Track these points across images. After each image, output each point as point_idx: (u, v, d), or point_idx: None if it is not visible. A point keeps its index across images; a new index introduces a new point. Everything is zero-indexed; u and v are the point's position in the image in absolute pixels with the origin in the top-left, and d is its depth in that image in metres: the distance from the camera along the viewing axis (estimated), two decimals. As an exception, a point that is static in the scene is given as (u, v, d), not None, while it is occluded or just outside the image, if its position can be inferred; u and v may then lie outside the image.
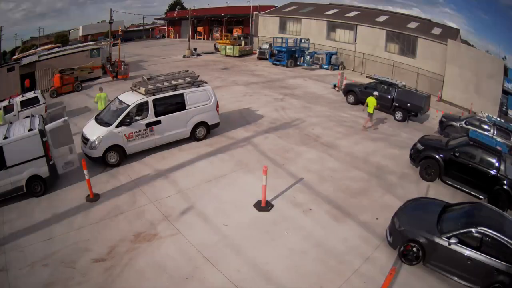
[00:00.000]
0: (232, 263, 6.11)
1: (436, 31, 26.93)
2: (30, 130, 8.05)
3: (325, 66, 27.42)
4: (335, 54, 28.42)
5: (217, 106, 11.47)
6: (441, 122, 14.42)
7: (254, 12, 37.68)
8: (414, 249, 6.31)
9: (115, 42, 27.22)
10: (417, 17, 31.60)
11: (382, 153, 11.35)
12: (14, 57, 34.63)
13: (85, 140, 9.48)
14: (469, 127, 12.98)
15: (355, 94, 16.66)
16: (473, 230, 6.02)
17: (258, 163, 9.66)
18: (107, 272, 5.87)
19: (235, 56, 31.99)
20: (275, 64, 27.86)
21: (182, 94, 10.53)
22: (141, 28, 60.42)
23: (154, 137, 10.18)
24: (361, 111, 15.47)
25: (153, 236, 6.81)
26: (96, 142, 9.22)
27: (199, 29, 49.68)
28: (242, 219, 7.39)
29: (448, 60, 22.86)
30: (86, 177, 7.95)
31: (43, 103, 13.78)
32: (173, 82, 10.83)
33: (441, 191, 9.22)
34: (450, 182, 9.34)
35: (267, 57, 29.50)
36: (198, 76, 11.74)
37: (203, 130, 11.36)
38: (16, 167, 7.80)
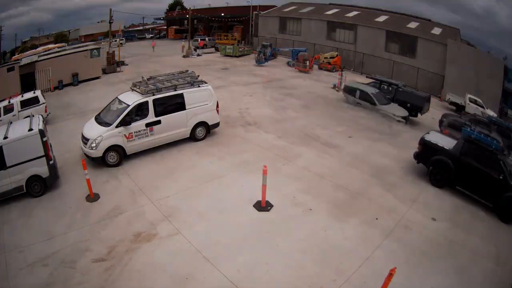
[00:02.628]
0: (232, 263, 6.10)
1: (436, 31, 26.95)
2: (30, 130, 8.05)
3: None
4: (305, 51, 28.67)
5: (217, 106, 11.47)
6: (441, 122, 14.42)
7: (254, 12, 37.70)
8: None
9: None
10: (417, 17, 31.63)
11: (382, 153, 11.34)
12: (14, 57, 34.61)
13: (85, 140, 9.47)
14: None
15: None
16: None
17: (258, 163, 9.64)
18: (107, 272, 5.86)
19: (235, 56, 32.02)
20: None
21: (182, 94, 10.52)
22: (141, 28, 60.39)
23: (154, 137, 10.17)
24: (360, 110, 15.48)
25: (153, 236, 6.80)
26: (96, 142, 9.22)
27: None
28: (242, 219, 7.38)
29: (448, 60, 22.87)
30: (86, 177, 7.95)
31: (43, 103, 13.77)
32: (173, 82, 10.84)
33: (441, 192, 9.24)
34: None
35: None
36: (198, 76, 11.75)
37: (203, 130, 11.36)
38: (16, 167, 7.79)
